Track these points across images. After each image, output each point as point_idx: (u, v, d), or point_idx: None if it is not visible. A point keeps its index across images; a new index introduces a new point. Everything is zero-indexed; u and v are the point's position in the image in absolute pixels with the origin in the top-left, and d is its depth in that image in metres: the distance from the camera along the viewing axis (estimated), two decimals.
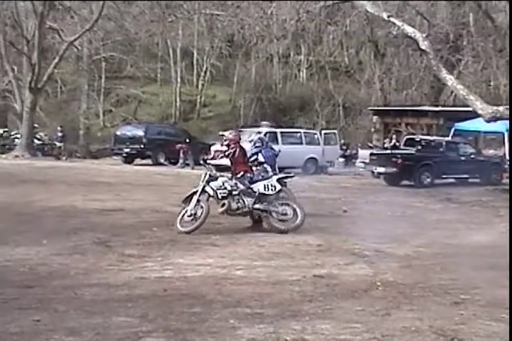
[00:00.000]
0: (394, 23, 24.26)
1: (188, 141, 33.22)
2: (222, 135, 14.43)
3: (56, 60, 37.99)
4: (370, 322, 6.78)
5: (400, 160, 25.16)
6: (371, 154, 28.05)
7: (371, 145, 37.83)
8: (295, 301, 7.55)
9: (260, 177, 14.00)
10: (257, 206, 13.14)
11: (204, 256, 10.00)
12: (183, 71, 52.01)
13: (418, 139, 28.60)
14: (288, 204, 13.33)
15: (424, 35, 22.62)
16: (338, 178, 28.63)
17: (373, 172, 26.87)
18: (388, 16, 23.72)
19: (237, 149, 13.60)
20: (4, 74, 41.32)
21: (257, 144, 16.19)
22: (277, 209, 13.11)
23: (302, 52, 53.56)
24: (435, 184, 24.95)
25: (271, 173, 14.71)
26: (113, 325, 6.39)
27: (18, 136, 38.03)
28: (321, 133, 33.01)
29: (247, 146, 15.59)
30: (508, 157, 26.67)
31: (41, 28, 36.48)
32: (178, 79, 51.27)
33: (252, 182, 13.59)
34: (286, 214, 13.11)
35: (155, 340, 6.01)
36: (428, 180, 25.13)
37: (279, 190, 13.67)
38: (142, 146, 34.32)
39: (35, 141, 37.80)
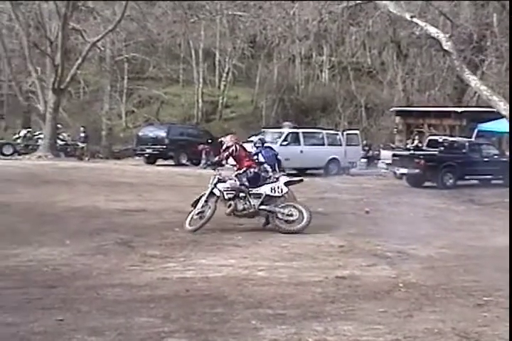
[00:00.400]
0: (417, 24, 24.15)
1: (210, 141, 33.23)
2: (221, 141, 14.50)
3: (79, 61, 38.15)
4: (393, 323, 6.77)
5: (422, 161, 25.04)
6: (393, 155, 27.93)
7: (393, 146, 37.69)
8: (317, 302, 7.54)
9: (262, 175, 14.23)
10: (262, 207, 13.19)
11: (226, 257, 10.01)
12: (205, 72, 52.09)
13: (441, 140, 28.45)
14: (294, 206, 13.37)
15: (447, 35, 22.49)
16: (360, 179, 28.55)
17: (396, 173, 26.76)
18: (411, 17, 23.62)
19: (237, 146, 13.86)
20: (28, 75, 41.52)
21: (257, 145, 16.78)
22: (283, 211, 13.15)
23: (324, 52, 53.49)
24: (458, 185, 24.81)
25: (271, 173, 14.87)
26: (135, 325, 6.42)
27: (42, 136, 38.21)
28: (343, 134, 32.93)
29: (248, 147, 15.99)
30: None
31: (64, 29, 36.63)
32: (200, 80, 51.36)
33: (257, 176, 13.84)
34: (291, 215, 13.14)
35: (177, 340, 6.03)
36: (451, 181, 24.99)
37: (286, 193, 13.66)
38: (164, 147, 34.38)
39: (58, 141, 37.97)
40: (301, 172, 30.83)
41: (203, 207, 12.73)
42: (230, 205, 13.03)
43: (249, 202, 13.19)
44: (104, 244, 10.80)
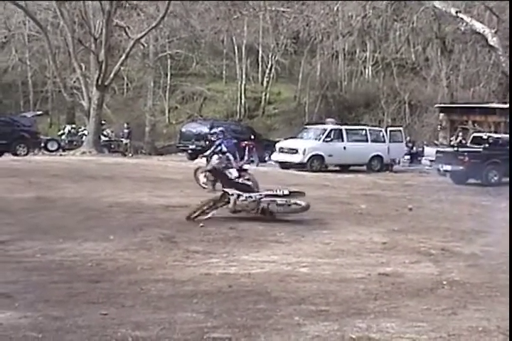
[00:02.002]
0: (462, 19, 24.02)
1: (252, 138, 33.29)
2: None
3: (123, 58, 38.42)
4: (436, 321, 6.73)
5: (466, 158, 24.82)
6: (437, 152, 27.72)
7: (437, 142, 37.43)
8: (360, 299, 7.53)
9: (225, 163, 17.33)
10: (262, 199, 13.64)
11: (269, 253, 10.03)
12: (248, 68, 52.19)
13: (485, 137, 28.19)
14: (289, 195, 13.82)
15: (493, 30, 22.32)
16: (404, 176, 28.41)
17: (439, 170, 26.55)
18: (456, 12, 23.50)
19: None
20: (72, 71, 41.94)
21: (219, 136, 19.18)
22: (279, 201, 13.56)
23: (368, 48, 53.27)
24: (502, 182, 24.53)
25: (232, 161, 17.76)
26: (179, 321, 6.46)
27: (86, 132, 38.59)
28: (386, 131, 32.77)
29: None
30: None
31: (108, 26, 36.91)
32: (243, 76, 51.46)
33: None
34: (290, 206, 13.62)
35: (220, 336, 6.05)
36: (495, 178, 24.72)
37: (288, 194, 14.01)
38: (207, 143, 34.51)
39: (102, 137, 38.33)
40: (344, 168, 30.80)
41: None
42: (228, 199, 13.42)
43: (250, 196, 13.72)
44: (147, 239, 10.87)
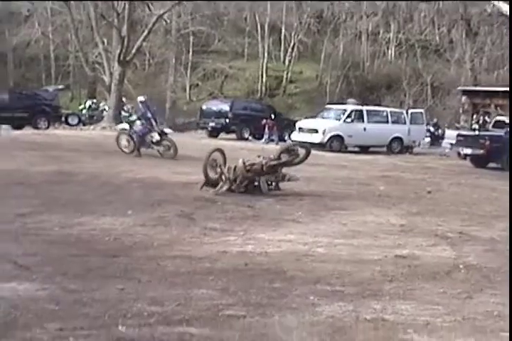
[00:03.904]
0: (489, 0, 23.73)
1: (273, 116, 33.26)
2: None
3: (145, 33, 38.38)
4: (452, 304, 6.73)
5: (487, 142, 24.69)
6: (458, 135, 27.58)
7: (459, 125, 37.24)
8: (376, 280, 7.54)
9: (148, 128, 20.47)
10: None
11: (286, 232, 10.03)
12: (270, 46, 52.04)
13: (508, 121, 27.99)
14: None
15: None
16: (424, 158, 28.32)
17: (460, 153, 26.46)
18: None
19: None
20: (94, 46, 41.97)
21: (147, 103, 21.20)
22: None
23: (392, 29, 52.98)
24: None
25: (155, 126, 20.57)
26: (194, 297, 6.50)
27: (106, 107, 38.66)
28: (407, 113, 32.64)
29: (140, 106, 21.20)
30: None
31: (131, 1, 36.86)
32: (265, 55, 51.32)
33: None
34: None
35: (235, 313, 6.08)
36: None
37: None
38: (227, 121, 34.53)
39: (123, 113, 38.38)
40: (364, 149, 30.73)
41: None
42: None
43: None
44: (165, 215, 10.90)
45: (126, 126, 21.90)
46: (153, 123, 20.65)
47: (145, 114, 20.80)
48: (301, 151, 14.91)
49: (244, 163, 13.83)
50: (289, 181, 14.37)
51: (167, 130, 21.48)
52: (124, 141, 20.92)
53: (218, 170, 13.89)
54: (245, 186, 13.75)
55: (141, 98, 21.55)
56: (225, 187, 13.65)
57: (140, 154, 20.48)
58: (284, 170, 14.50)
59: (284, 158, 14.46)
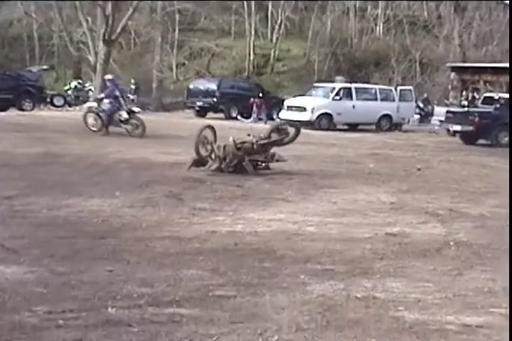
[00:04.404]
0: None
1: (261, 95, 33.22)
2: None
3: (130, 12, 38.00)
4: (442, 281, 6.77)
5: (477, 119, 24.71)
6: (447, 112, 27.60)
7: (448, 102, 37.25)
8: (366, 259, 7.57)
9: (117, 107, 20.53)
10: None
11: (275, 211, 10.05)
12: (257, 24, 51.83)
13: (497, 97, 28.04)
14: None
15: None
16: (413, 136, 28.37)
17: (449, 130, 26.49)
18: None
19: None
20: (79, 25, 41.62)
21: (116, 82, 21.61)
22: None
23: (379, 5, 52.81)
24: None
25: (123, 104, 20.68)
26: (184, 278, 6.51)
27: (92, 88, 38.45)
28: (396, 90, 32.64)
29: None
30: None
31: None
32: (252, 32, 51.12)
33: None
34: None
35: (225, 294, 6.10)
36: (506, 139, 24.58)
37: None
38: (215, 100, 34.47)
39: None
40: (353, 127, 30.75)
41: None
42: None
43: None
44: (153, 196, 10.90)
45: (93, 104, 22.02)
46: (122, 101, 20.87)
47: (113, 92, 20.94)
48: (291, 130, 14.92)
49: (234, 141, 13.83)
50: (278, 162, 14.38)
51: (135, 108, 21.68)
52: (91, 120, 21.07)
53: (209, 147, 13.89)
54: (234, 165, 13.75)
55: (108, 76, 22.09)
56: (215, 166, 13.66)
57: (108, 132, 20.72)
58: (273, 149, 14.51)
59: (274, 137, 14.47)
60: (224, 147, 13.81)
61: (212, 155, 13.83)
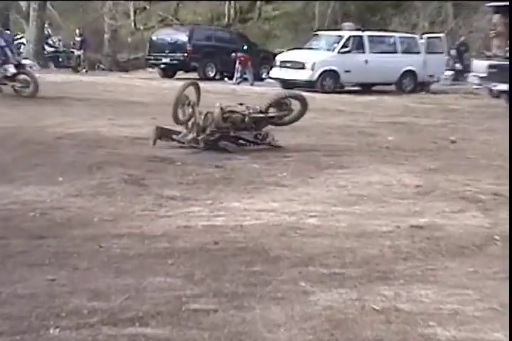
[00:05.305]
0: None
1: (245, 48, 33.18)
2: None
3: None
4: (486, 288, 6.78)
5: None
6: (490, 66, 27.60)
7: (490, 54, 37.26)
8: (386, 259, 7.58)
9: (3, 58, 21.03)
10: None
11: (267, 199, 10.06)
12: None
13: None
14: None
15: None
16: (445, 98, 28.45)
17: (492, 90, 26.52)
18: None
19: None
20: None
21: None
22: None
23: None
24: None
25: (10, 56, 21.25)
26: (149, 287, 6.50)
27: (24, 41, 38.33)
28: (422, 38, 32.63)
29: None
30: None
31: None
32: None
33: None
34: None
35: (203, 307, 6.08)
36: None
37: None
38: (186, 55, 34.40)
39: (47, 47, 38.10)
40: (366, 88, 30.74)
41: None
42: None
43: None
44: (107, 181, 10.89)
45: None
46: (9, 53, 21.42)
47: None
48: (295, 105, 14.85)
49: (222, 109, 13.78)
50: (270, 145, 14.32)
51: (26, 61, 22.40)
52: None
53: (190, 110, 13.85)
54: (214, 140, 13.71)
55: None
56: (190, 137, 13.63)
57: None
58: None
59: (273, 112, 14.41)
60: (206, 114, 13.77)
61: (190, 123, 13.81)
